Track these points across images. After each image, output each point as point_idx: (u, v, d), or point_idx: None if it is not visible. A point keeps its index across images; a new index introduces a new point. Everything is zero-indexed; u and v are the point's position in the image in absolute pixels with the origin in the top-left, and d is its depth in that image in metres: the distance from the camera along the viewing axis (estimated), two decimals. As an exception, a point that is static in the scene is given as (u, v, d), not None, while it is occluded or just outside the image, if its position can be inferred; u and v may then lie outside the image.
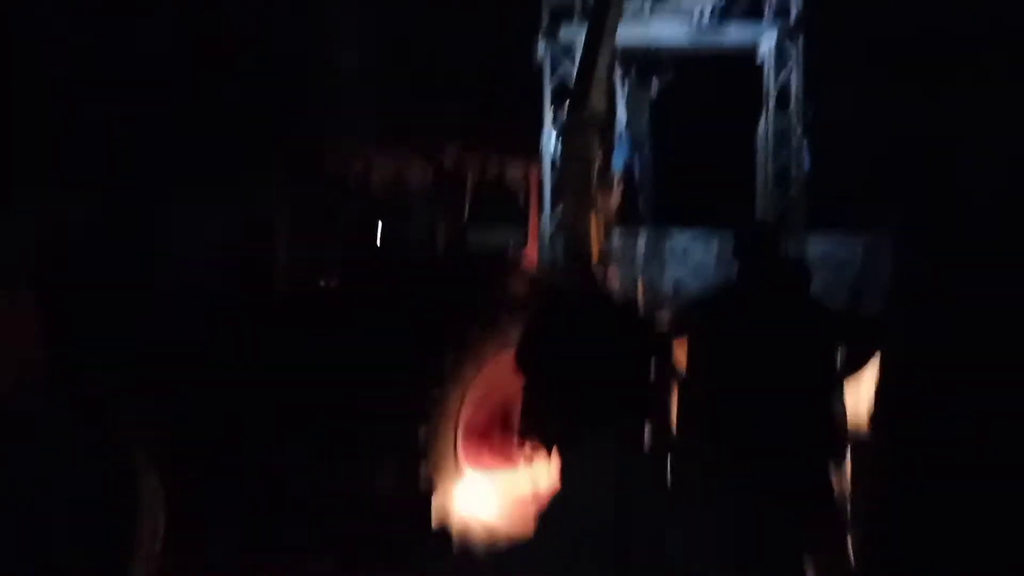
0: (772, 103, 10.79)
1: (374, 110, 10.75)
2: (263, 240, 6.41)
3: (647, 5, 10.55)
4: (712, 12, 10.62)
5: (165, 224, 6.51)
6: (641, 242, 10.14)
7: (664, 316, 4.90)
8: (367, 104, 10.91)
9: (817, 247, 9.95)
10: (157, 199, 6.59)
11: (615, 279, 6.02)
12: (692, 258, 10.33)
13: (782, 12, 10.73)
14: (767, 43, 10.76)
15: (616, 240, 10.10)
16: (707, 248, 10.22)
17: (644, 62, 10.61)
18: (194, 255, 6.46)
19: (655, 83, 10.43)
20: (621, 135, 10.52)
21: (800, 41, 10.66)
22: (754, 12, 10.84)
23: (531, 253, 7.57)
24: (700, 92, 11.94)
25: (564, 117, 9.70)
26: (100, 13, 10.38)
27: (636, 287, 7.80)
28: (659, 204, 10.72)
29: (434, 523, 5.57)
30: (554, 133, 10.35)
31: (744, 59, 10.97)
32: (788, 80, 10.73)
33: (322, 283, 6.62)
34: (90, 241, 6.04)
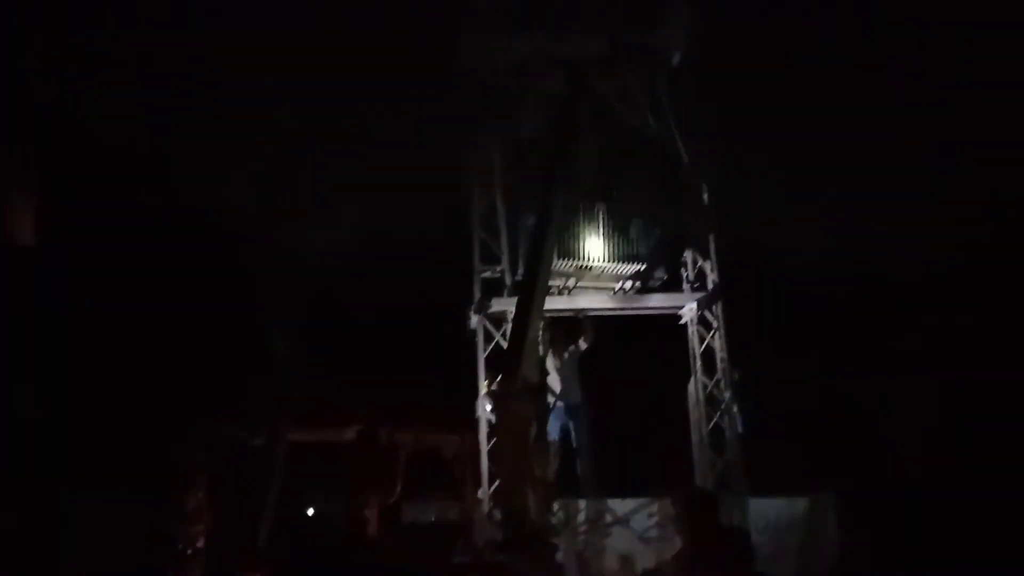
0: (699, 366, 11.05)
1: (306, 388, 10.71)
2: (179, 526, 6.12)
3: (571, 282, 11.03)
4: (632, 287, 11.12)
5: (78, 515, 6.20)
6: (582, 513, 9.88)
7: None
8: (299, 383, 10.89)
9: (760, 511, 9.79)
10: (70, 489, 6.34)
11: (556, 554, 5.76)
12: (635, 528, 10.05)
13: (700, 282, 11.30)
14: (688, 310, 11.22)
15: (556, 511, 9.84)
16: (649, 516, 9.98)
17: (571, 327, 10.91)
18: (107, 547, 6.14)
19: (582, 346, 10.66)
20: (555, 403, 10.56)
21: (720, 308, 11.14)
22: (674, 285, 11.40)
23: (468, 527, 7.30)
24: (630, 354, 12.25)
25: (497, 387, 9.78)
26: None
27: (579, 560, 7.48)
28: (598, 473, 10.57)
29: None
30: (488, 403, 10.34)
31: (671, 319, 11.38)
32: (712, 344, 11.08)
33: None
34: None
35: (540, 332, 9.99)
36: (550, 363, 10.70)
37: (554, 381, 10.69)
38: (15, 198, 11.20)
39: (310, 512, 9.07)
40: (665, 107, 11.23)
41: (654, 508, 10.01)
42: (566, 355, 10.77)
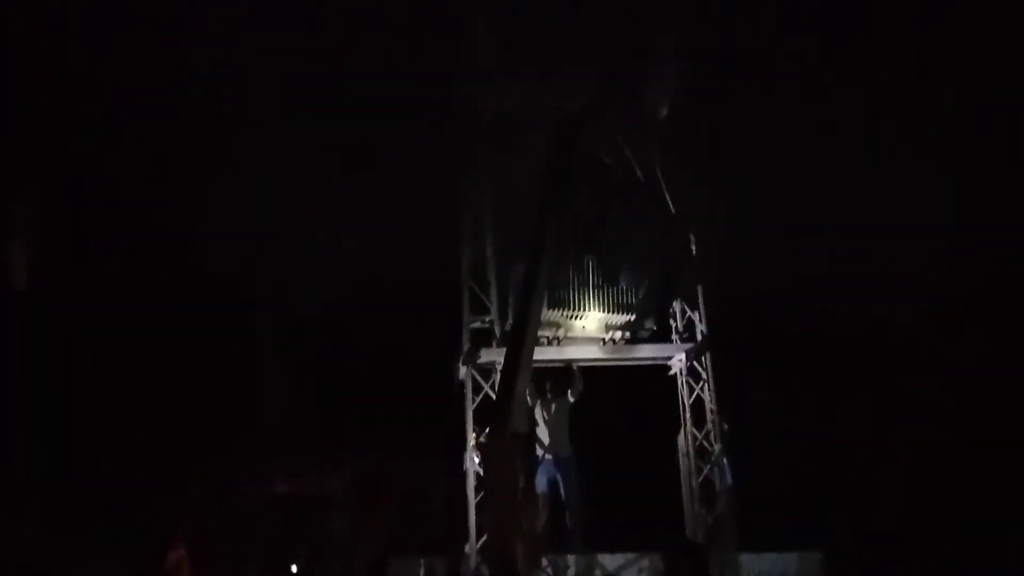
0: (688, 418, 10.99)
1: (292, 441, 10.62)
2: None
3: (560, 332, 11.00)
4: (621, 338, 11.10)
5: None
6: (571, 569, 9.73)
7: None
8: (285, 434, 10.80)
9: (751, 566, 9.68)
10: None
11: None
12: (625, 583, 9.92)
13: (689, 332, 11.29)
14: (677, 361, 11.20)
15: (545, 566, 9.70)
16: (639, 572, 9.86)
17: (560, 378, 10.85)
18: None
19: (571, 398, 10.60)
20: (543, 456, 10.46)
21: (709, 359, 11.12)
22: (663, 335, 11.38)
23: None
24: (619, 405, 12.19)
25: (486, 438, 9.70)
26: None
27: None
28: (588, 527, 10.44)
29: None
30: (476, 456, 10.23)
31: (660, 369, 11.35)
32: (702, 395, 11.04)
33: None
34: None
35: (528, 383, 9.93)
36: (538, 414, 10.63)
37: (542, 433, 10.61)
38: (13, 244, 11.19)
39: (294, 569, 8.92)
40: (653, 158, 11.31)
41: (644, 563, 9.89)
42: (554, 407, 10.71)
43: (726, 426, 10.92)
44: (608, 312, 10.90)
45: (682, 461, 10.92)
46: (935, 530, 11.12)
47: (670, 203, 11.24)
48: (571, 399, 10.64)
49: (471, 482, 10.28)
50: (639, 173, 11.37)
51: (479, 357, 10.71)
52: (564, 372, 10.86)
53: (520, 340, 9.33)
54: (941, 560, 10.27)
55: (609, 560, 9.98)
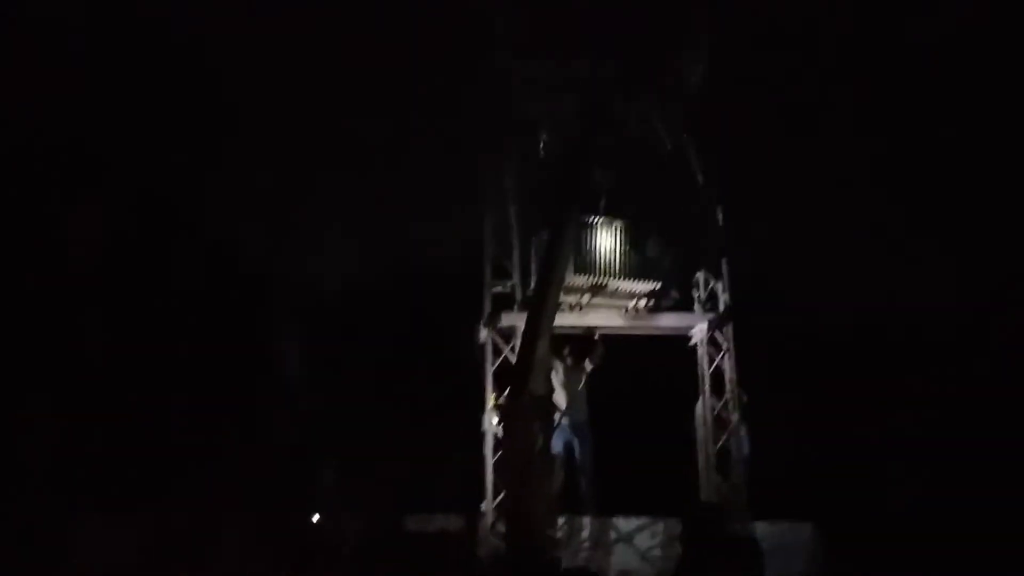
0: (707, 387, 11.03)
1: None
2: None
3: (584, 299, 11.04)
4: (644, 306, 11.13)
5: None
6: (585, 530, 9.85)
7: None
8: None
9: (763, 534, 9.73)
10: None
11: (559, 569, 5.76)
12: (638, 546, 10.02)
13: (711, 303, 11.30)
14: (699, 331, 11.22)
15: (561, 526, 9.83)
16: (652, 535, 9.97)
17: (580, 344, 10.90)
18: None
19: (590, 366, 10.66)
20: (560, 420, 10.56)
21: (730, 330, 11.13)
22: (686, 305, 11.40)
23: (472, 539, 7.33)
24: (638, 373, 12.23)
25: (505, 400, 9.79)
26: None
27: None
28: (602, 490, 10.55)
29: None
30: (495, 416, 10.35)
31: (680, 340, 11.38)
32: (722, 366, 11.07)
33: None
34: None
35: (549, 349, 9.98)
36: (556, 379, 10.71)
37: (560, 397, 10.70)
38: None
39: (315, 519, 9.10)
40: (681, 128, 11.26)
41: (659, 527, 9.99)
42: (573, 372, 10.78)
43: (745, 397, 10.95)
44: (634, 279, 10.89)
45: (699, 430, 10.98)
46: (935, 518, 11.18)
47: (698, 173, 11.21)
48: (589, 367, 10.69)
49: (489, 443, 10.40)
50: (668, 143, 11.34)
51: (500, 321, 10.78)
52: (586, 340, 10.90)
53: (542, 304, 9.38)
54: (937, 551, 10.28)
55: (623, 523, 10.08)
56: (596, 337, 10.82)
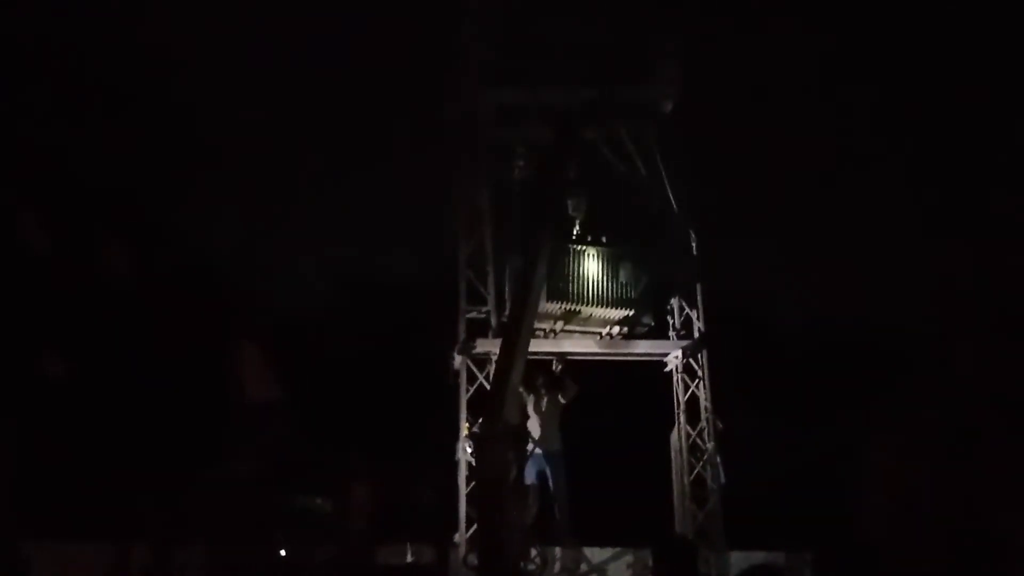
0: (683, 415, 10.96)
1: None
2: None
3: (558, 325, 10.96)
4: (619, 333, 11.07)
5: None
6: (558, 561, 9.72)
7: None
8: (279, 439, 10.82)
9: (739, 564, 9.64)
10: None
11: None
12: (611, 576, 9.92)
13: (686, 330, 11.25)
14: (674, 358, 11.16)
15: (534, 557, 9.68)
16: (626, 566, 9.85)
17: (552, 375, 10.81)
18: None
19: (562, 401, 10.57)
20: (533, 449, 10.43)
21: (705, 356, 11.08)
22: (661, 331, 11.34)
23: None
24: (613, 400, 12.15)
25: (479, 429, 9.66)
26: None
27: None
28: (576, 520, 10.42)
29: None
30: (468, 446, 10.20)
31: (656, 365, 11.31)
32: (697, 392, 11.00)
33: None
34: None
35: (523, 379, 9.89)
36: (530, 408, 10.60)
37: (533, 426, 10.59)
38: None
39: (283, 554, 8.92)
40: (655, 154, 11.27)
41: (630, 558, 9.88)
42: (546, 401, 10.68)
43: (720, 424, 10.89)
44: (608, 306, 10.82)
45: (674, 458, 10.89)
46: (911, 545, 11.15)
47: (671, 199, 11.21)
48: (562, 402, 10.61)
49: (463, 472, 10.25)
50: (641, 168, 11.34)
51: (475, 347, 10.67)
52: (556, 378, 10.76)
53: (517, 331, 9.30)
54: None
55: (597, 553, 9.96)
56: (556, 368, 10.68)
